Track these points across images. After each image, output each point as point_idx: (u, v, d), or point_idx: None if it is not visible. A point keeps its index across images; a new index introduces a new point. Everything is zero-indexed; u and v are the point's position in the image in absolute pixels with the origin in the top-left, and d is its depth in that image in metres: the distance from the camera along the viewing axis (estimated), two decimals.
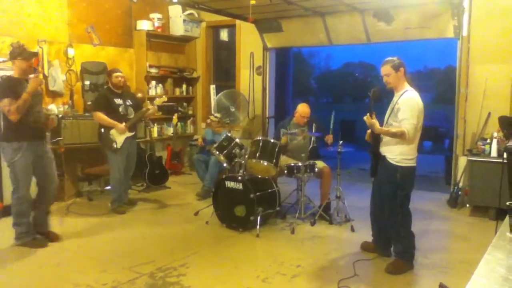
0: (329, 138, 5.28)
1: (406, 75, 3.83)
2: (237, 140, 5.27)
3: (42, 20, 6.23)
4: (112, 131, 5.38)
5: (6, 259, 4.12)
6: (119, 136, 5.40)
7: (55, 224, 5.20)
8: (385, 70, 3.81)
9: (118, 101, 5.49)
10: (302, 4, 6.08)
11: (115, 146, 5.38)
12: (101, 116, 5.38)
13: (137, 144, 6.04)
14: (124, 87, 5.65)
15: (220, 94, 7.49)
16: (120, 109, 5.47)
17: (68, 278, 3.67)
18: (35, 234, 4.44)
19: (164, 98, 5.91)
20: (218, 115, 7.07)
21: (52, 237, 4.53)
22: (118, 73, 5.50)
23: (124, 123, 5.41)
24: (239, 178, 4.92)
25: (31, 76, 4.16)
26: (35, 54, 4.46)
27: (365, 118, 3.76)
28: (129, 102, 5.59)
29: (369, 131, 3.98)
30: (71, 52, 6.52)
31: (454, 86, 6.21)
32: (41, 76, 4.42)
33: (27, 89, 4.06)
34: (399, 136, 3.65)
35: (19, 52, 4.17)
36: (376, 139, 3.87)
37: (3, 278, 3.71)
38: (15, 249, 4.34)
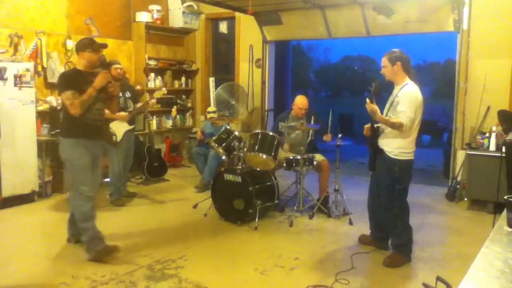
0: (327, 137, 5.32)
1: (407, 69, 3.81)
2: (236, 133, 5.27)
3: (41, 12, 6.20)
4: (112, 124, 5.37)
5: (5, 252, 4.12)
6: (118, 129, 5.40)
7: (55, 217, 5.22)
8: (383, 61, 3.83)
9: None
10: None
11: (114, 139, 5.38)
12: None
13: (136, 136, 6.03)
14: (122, 79, 5.64)
15: (219, 88, 7.46)
16: (120, 101, 5.47)
17: (67, 270, 3.68)
18: (103, 239, 3.96)
19: (164, 91, 5.91)
20: (214, 108, 7.07)
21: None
22: (117, 65, 5.49)
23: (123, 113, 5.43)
24: (238, 171, 4.92)
25: (98, 70, 3.94)
26: (105, 46, 4.20)
27: (366, 104, 3.72)
28: (128, 95, 5.60)
29: (367, 125, 3.98)
30: (69, 44, 6.49)
31: (454, 80, 6.20)
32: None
33: (94, 84, 3.77)
34: (397, 127, 3.64)
35: (88, 43, 3.91)
36: (375, 132, 3.87)
37: (2, 270, 3.72)
38: (12, 241, 4.35)
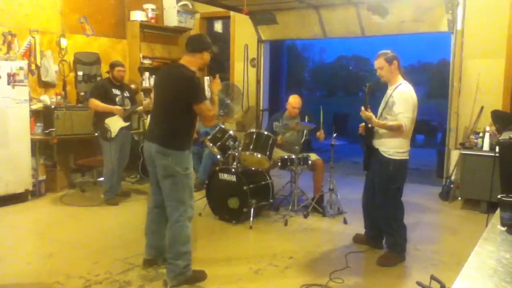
0: (320, 134, 5.32)
1: (400, 68, 3.84)
2: (231, 132, 5.26)
3: (34, 10, 6.16)
4: (107, 120, 5.38)
5: None
6: (114, 125, 5.40)
7: (49, 216, 5.20)
8: (379, 63, 3.81)
9: (116, 91, 5.54)
10: None
11: (109, 135, 5.38)
12: (96, 103, 5.39)
13: (131, 135, 6.03)
14: (122, 80, 5.70)
15: None
16: (117, 99, 5.51)
17: (61, 269, 3.67)
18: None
19: None
20: None
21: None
22: (121, 68, 5.57)
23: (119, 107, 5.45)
24: (233, 170, 4.92)
25: (206, 77, 3.61)
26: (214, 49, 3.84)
27: (361, 112, 3.76)
28: (126, 94, 5.63)
29: (362, 124, 3.99)
30: (63, 42, 6.47)
31: (447, 80, 6.23)
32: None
33: (214, 90, 3.51)
34: (396, 130, 3.65)
35: (211, 43, 3.49)
36: (370, 132, 3.88)
37: None
38: (6, 241, 4.32)
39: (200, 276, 3.49)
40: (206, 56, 3.44)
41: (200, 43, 3.44)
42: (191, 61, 3.36)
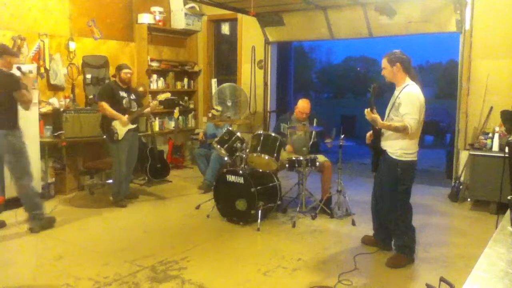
0: (329, 141, 5.39)
1: (407, 69, 3.81)
2: (238, 134, 5.27)
3: (43, 14, 6.22)
4: (114, 122, 5.40)
5: (8, 253, 4.14)
6: (120, 127, 5.42)
7: (58, 218, 5.23)
8: (383, 63, 3.83)
9: (123, 94, 5.54)
10: None
11: (116, 137, 5.40)
12: (106, 106, 5.40)
13: (138, 138, 6.05)
14: (129, 82, 5.71)
15: (225, 84, 7.38)
16: (124, 102, 5.51)
17: (70, 271, 3.69)
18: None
19: (168, 95, 5.91)
20: (219, 108, 7.05)
21: None
22: (127, 70, 5.57)
23: (126, 116, 5.44)
24: (240, 172, 4.93)
25: None
26: None
27: (365, 113, 3.75)
28: (133, 96, 5.64)
29: (368, 134, 3.98)
30: (72, 45, 6.52)
31: (456, 81, 6.20)
32: None
33: (27, 84, 4.69)
34: (402, 131, 3.64)
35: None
36: (377, 133, 3.87)
37: (5, 272, 3.73)
38: (16, 243, 4.36)
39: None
40: (6, 57, 4.57)
41: (5, 50, 4.63)
42: (2, 64, 4.54)
